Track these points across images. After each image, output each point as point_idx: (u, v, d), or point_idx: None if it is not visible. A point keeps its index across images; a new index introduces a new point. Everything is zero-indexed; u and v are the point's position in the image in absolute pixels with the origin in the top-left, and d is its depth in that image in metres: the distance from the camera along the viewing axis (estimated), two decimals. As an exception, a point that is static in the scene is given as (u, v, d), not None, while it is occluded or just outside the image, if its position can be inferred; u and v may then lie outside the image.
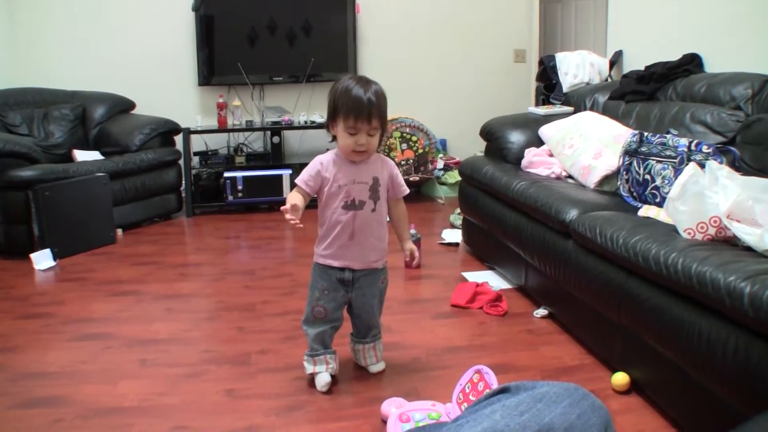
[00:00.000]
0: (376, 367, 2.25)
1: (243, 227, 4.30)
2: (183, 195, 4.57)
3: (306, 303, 2.16)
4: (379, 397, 2.05)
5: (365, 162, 2.06)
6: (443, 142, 5.28)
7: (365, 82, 1.99)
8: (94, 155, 4.19)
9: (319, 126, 4.67)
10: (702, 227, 1.92)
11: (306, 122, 4.78)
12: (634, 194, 2.64)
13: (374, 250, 2.11)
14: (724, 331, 1.61)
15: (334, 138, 2.06)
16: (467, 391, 1.91)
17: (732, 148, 2.41)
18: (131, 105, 4.74)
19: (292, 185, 4.56)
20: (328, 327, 2.15)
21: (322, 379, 2.13)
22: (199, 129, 4.69)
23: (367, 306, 2.17)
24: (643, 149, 2.62)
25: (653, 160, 2.55)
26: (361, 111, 1.94)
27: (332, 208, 2.05)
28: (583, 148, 2.99)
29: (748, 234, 1.79)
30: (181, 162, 4.51)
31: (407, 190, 2.19)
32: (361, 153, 2.01)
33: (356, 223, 2.05)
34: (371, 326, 2.23)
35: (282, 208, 1.93)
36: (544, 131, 3.34)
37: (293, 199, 1.99)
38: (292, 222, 1.92)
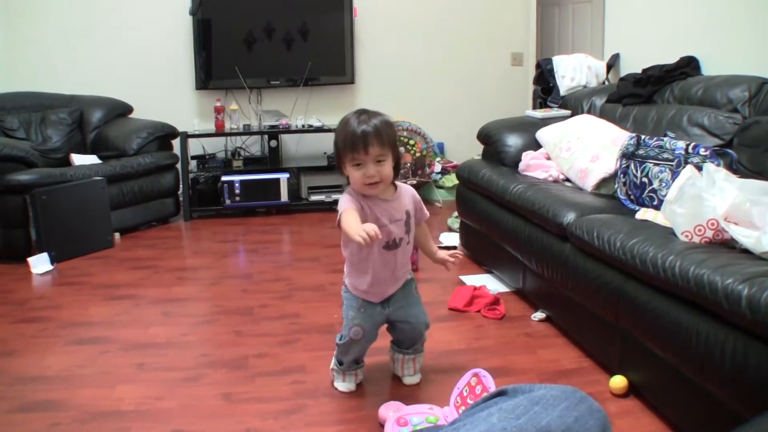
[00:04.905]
0: (411, 380, 2.20)
1: (240, 231, 4.30)
2: (180, 199, 4.56)
3: (342, 326, 2.10)
4: (377, 400, 2.05)
5: (396, 198, 2.01)
6: (441, 146, 5.28)
7: (361, 114, 1.93)
8: (92, 159, 4.19)
9: (317, 130, 4.66)
10: (699, 230, 1.93)
11: (303, 126, 4.77)
12: (632, 197, 2.64)
13: (407, 272, 2.11)
14: (722, 333, 1.61)
15: (348, 181, 2.00)
16: (465, 394, 1.91)
17: (729, 151, 2.41)
18: (129, 109, 4.73)
19: (290, 188, 4.62)
20: (365, 346, 2.13)
21: (347, 388, 2.16)
22: (196, 133, 4.69)
23: (411, 318, 2.12)
24: (641, 152, 2.62)
25: (650, 162, 2.56)
26: (356, 142, 1.88)
27: (374, 249, 1.97)
28: (581, 151, 2.99)
29: (745, 236, 1.79)
30: (179, 166, 4.51)
31: (428, 215, 2.15)
32: (375, 185, 1.93)
33: (398, 259, 2.02)
34: (416, 339, 2.17)
35: (367, 236, 1.71)
36: (542, 134, 3.35)
37: (354, 221, 1.81)
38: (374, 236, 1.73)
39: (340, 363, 2.16)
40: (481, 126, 3.67)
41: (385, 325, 2.16)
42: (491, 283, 3.10)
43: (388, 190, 2.02)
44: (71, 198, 3.68)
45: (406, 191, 2.07)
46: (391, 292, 2.07)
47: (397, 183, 2.06)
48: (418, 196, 2.11)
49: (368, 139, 1.88)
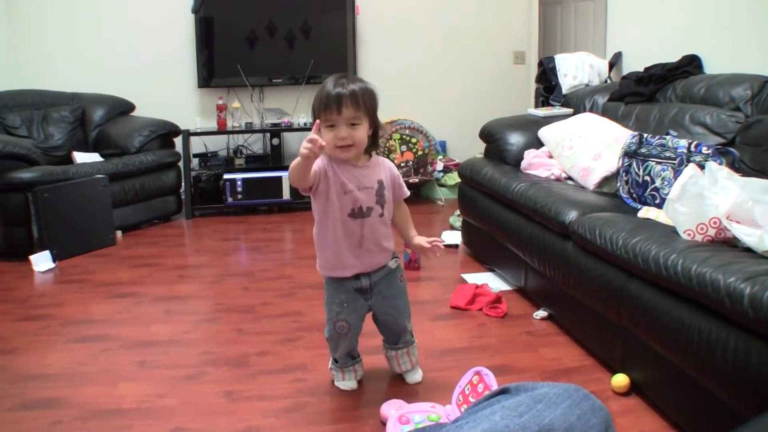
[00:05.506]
0: (414, 377, 2.19)
1: (242, 229, 4.30)
2: (182, 197, 4.56)
3: (326, 319, 2.09)
4: (379, 398, 2.05)
5: (368, 166, 1.98)
6: (443, 144, 5.28)
7: (341, 77, 1.91)
8: (94, 157, 4.19)
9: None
10: (702, 228, 1.92)
11: (305, 124, 4.78)
12: (634, 195, 2.64)
13: (384, 251, 2.04)
14: (724, 332, 1.61)
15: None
16: (467, 392, 1.91)
17: (731, 150, 2.41)
18: (131, 107, 4.74)
19: (292, 187, 4.61)
20: (353, 339, 2.11)
21: (349, 386, 2.15)
22: (198, 131, 4.69)
23: (391, 309, 2.09)
24: (643, 150, 2.62)
25: (653, 161, 2.55)
26: (329, 102, 1.86)
27: (336, 216, 1.94)
28: (583, 149, 2.99)
29: (747, 235, 1.79)
30: (181, 164, 4.51)
31: (408, 193, 2.12)
32: (347, 148, 1.89)
33: (365, 231, 1.96)
34: (400, 331, 2.15)
35: (310, 139, 1.72)
36: (544, 133, 3.34)
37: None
38: (314, 139, 1.73)
39: (335, 361, 2.16)
40: (483, 124, 3.66)
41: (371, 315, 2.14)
42: (493, 282, 3.10)
43: (361, 158, 1.99)
44: (73, 196, 3.68)
45: (383, 163, 2.05)
46: (366, 269, 2.01)
47: (374, 155, 2.03)
48: (396, 171, 2.08)
49: (342, 99, 1.86)
